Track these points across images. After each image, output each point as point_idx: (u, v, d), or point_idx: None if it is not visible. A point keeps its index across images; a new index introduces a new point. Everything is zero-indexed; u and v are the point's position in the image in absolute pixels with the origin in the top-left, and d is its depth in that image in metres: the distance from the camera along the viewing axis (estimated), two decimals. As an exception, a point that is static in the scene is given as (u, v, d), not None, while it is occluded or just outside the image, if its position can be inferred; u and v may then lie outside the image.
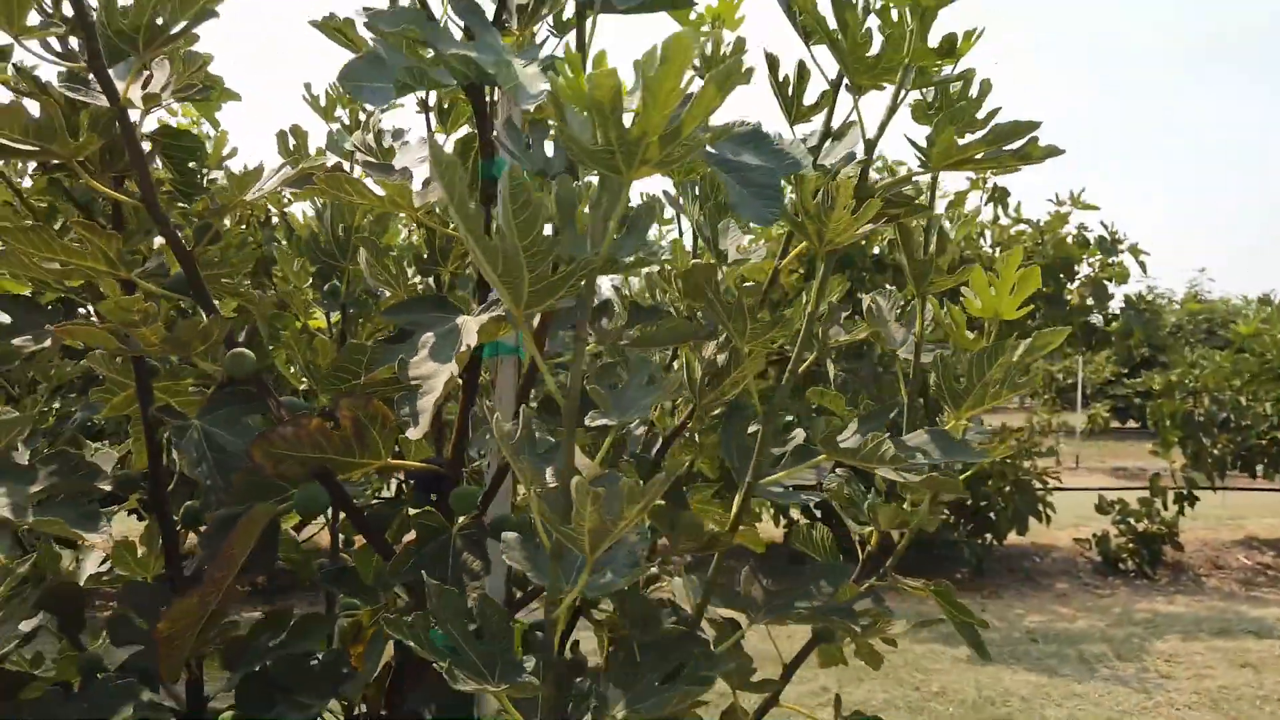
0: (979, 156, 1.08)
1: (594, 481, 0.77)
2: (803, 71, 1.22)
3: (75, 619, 1.28)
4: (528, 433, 0.84)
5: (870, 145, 1.12)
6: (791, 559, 1.29)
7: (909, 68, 1.12)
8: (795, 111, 1.23)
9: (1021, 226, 7.19)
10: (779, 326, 1.07)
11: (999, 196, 7.02)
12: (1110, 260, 7.15)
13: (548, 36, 1.09)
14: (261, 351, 1.33)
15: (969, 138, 1.09)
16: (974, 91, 1.23)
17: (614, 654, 0.93)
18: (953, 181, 9.99)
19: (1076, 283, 7.26)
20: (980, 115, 1.29)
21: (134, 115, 1.12)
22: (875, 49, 1.08)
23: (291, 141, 1.90)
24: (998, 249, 7.23)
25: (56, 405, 2.08)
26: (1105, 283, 7.23)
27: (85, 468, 1.46)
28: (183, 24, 1.06)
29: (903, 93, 1.13)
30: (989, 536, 7.12)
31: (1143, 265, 7.29)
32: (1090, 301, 7.18)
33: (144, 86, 1.18)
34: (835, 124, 1.24)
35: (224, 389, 1.33)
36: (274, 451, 1.14)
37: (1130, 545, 7.43)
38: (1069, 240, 7.04)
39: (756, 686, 1.38)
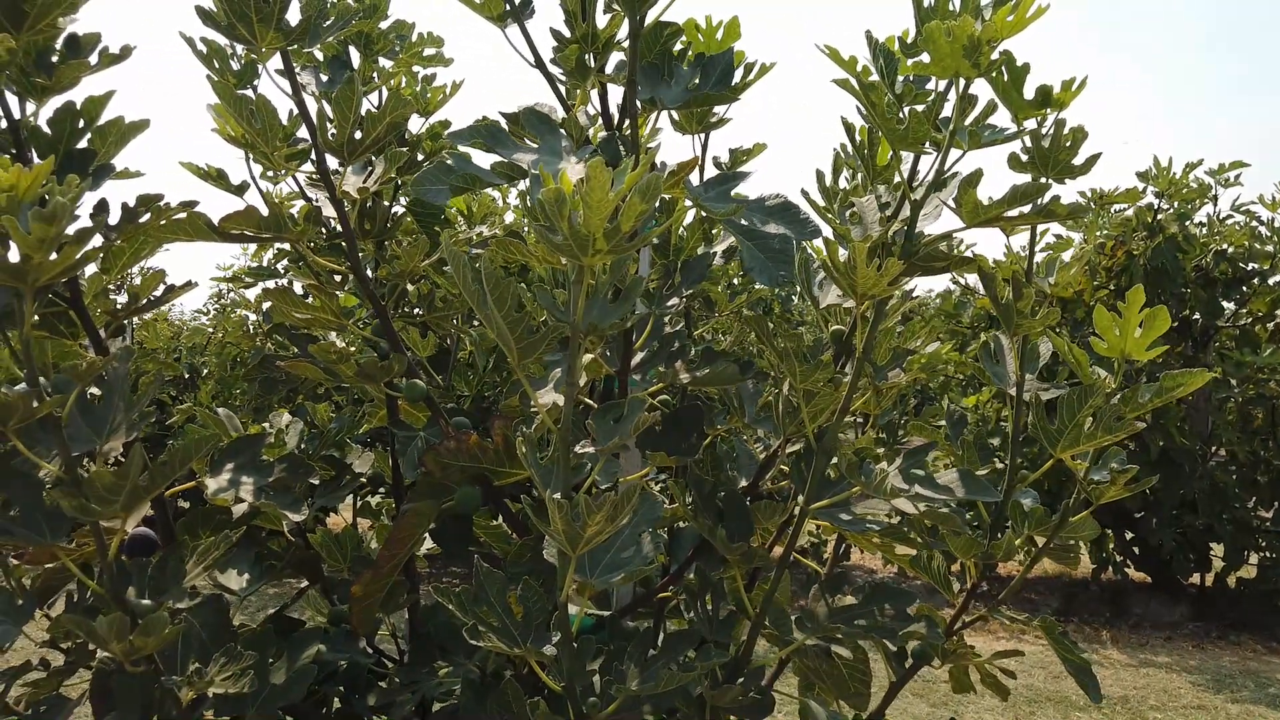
0: (1010, 214, 1.15)
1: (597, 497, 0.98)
2: (873, 136, 1.33)
3: (315, 578, 1.68)
4: (561, 457, 1.07)
5: (916, 205, 1.22)
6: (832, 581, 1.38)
7: (958, 132, 1.21)
8: (871, 171, 1.35)
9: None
10: (820, 370, 1.21)
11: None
12: None
13: (608, 134, 1.31)
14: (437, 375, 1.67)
15: (993, 198, 1.15)
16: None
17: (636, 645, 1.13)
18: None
19: None
20: (1078, 161, 1.33)
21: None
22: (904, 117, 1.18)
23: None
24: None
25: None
26: None
27: (340, 467, 1.89)
28: (372, 138, 1.42)
29: (951, 154, 1.22)
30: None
31: None
32: None
33: (364, 181, 1.56)
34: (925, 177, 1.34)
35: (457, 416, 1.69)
36: (441, 460, 1.46)
37: None
38: None
39: (853, 697, 1.50)
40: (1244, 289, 6.52)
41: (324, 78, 1.74)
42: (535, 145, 1.16)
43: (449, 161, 1.11)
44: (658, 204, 1.79)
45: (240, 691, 1.12)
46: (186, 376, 9.24)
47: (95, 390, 1.19)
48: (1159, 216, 6.41)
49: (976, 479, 1.15)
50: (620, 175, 0.88)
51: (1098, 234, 6.40)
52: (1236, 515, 6.45)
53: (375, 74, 1.84)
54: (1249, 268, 6.46)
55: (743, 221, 1.13)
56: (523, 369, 0.97)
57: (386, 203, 1.94)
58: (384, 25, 1.98)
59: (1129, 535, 6.93)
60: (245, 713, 1.25)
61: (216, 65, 1.65)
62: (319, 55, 1.91)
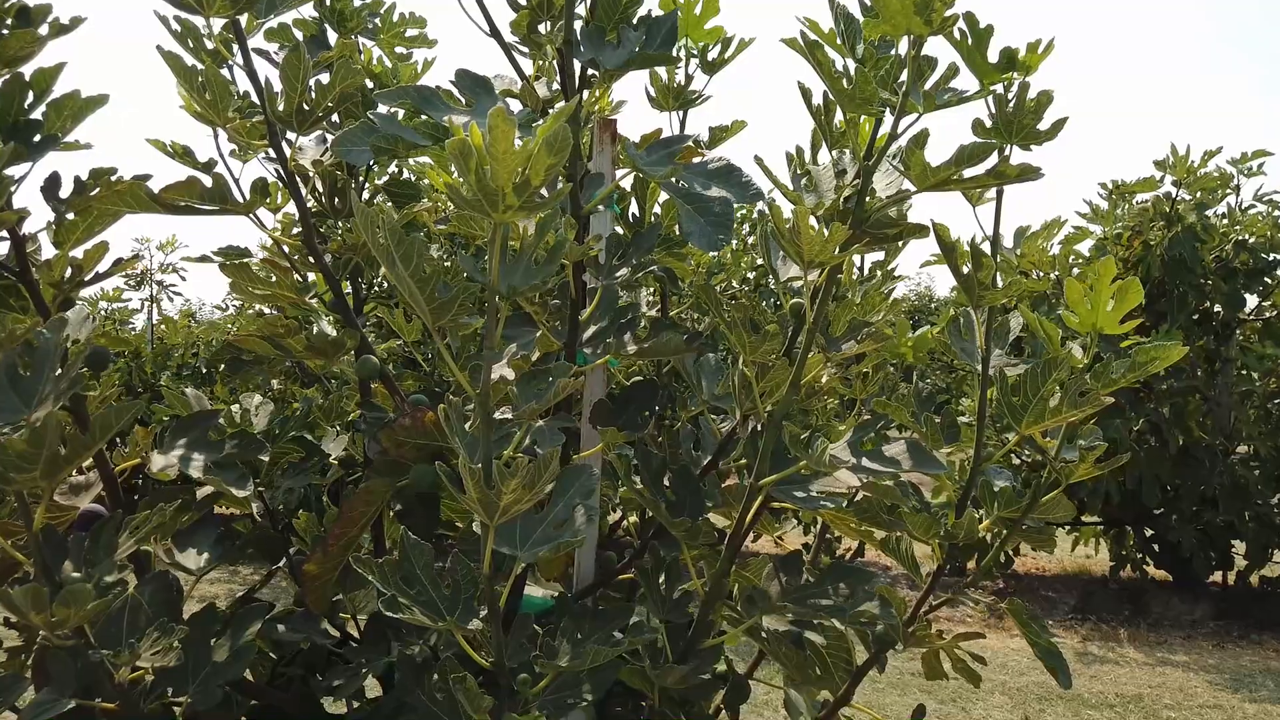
0: (959, 177, 1.10)
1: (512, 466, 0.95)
2: (829, 103, 1.29)
3: (277, 559, 1.66)
4: (481, 425, 1.03)
5: (869, 171, 1.18)
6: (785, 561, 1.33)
7: (911, 93, 1.16)
8: (830, 137, 1.31)
9: None
10: (768, 341, 1.17)
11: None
12: None
13: (560, 98, 1.27)
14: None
15: (940, 160, 1.11)
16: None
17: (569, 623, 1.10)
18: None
19: None
20: (1043, 126, 1.29)
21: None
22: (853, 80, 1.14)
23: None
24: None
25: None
26: None
27: (309, 448, 1.86)
28: (322, 110, 1.39)
29: (905, 117, 1.17)
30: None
31: None
32: None
33: (323, 155, 1.54)
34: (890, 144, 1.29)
35: (415, 393, 1.67)
36: (396, 438, 1.44)
37: None
38: None
39: (821, 682, 1.46)
40: (1267, 281, 6.38)
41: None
42: (469, 107, 1.13)
43: (374, 121, 1.08)
44: (627, 177, 1.75)
45: (169, 665, 1.10)
46: (204, 371, 9.32)
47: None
48: (1177, 206, 6.29)
49: (924, 452, 1.10)
50: (529, 129, 0.85)
51: (1115, 225, 6.28)
52: (1259, 512, 6.32)
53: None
54: (1271, 258, 6.31)
55: (683, 185, 1.09)
56: (439, 332, 0.94)
57: (362, 180, 1.91)
58: (358, 3, 1.96)
59: (1148, 532, 6.81)
60: (186, 689, 1.23)
61: (190, 44, 1.63)
62: (298, 35, 1.89)
